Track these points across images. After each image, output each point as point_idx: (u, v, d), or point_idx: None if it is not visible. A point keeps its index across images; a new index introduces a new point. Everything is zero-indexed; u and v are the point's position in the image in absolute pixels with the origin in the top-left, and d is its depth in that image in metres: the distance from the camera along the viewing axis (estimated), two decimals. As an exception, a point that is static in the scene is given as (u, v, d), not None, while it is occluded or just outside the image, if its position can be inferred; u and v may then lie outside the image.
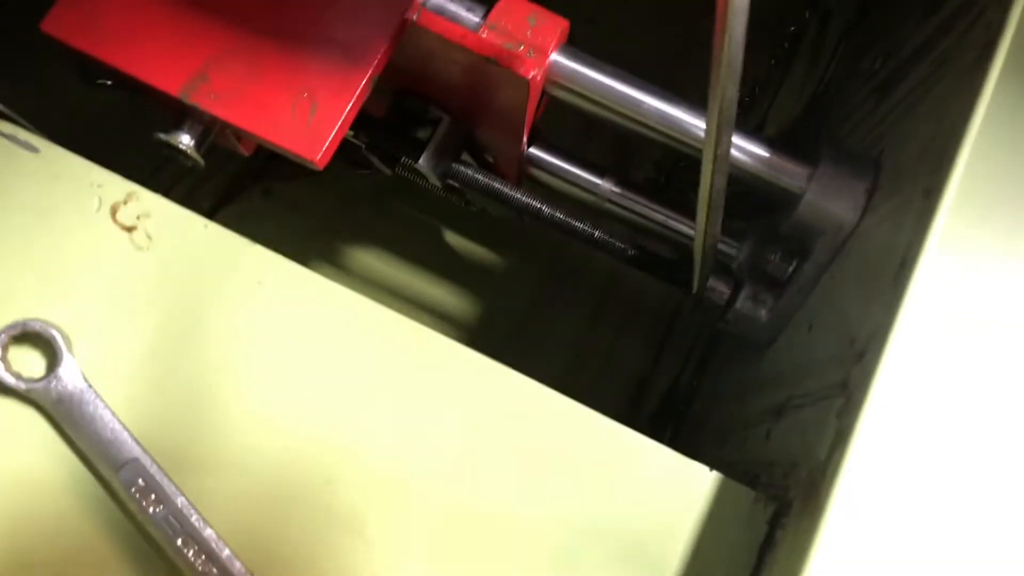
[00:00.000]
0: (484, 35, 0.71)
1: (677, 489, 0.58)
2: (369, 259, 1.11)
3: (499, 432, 0.59)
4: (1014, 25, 0.57)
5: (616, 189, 0.87)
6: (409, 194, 0.91)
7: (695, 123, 0.73)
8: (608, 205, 0.88)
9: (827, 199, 0.69)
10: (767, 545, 0.57)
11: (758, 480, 0.65)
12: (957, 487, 0.49)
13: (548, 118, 0.79)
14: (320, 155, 0.63)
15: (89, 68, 0.66)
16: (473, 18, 0.72)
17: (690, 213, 0.87)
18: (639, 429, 0.60)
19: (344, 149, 0.87)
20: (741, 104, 1.07)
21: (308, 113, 0.63)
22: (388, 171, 0.87)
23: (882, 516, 0.50)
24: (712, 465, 0.60)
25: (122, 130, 1.00)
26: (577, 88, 0.73)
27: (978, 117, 0.56)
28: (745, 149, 0.72)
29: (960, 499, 0.49)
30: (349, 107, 0.64)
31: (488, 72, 0.69)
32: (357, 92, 0.65)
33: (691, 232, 0.86)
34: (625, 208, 0.87)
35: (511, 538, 0.57)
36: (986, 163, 0.55)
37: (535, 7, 0.72)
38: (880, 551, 0.49)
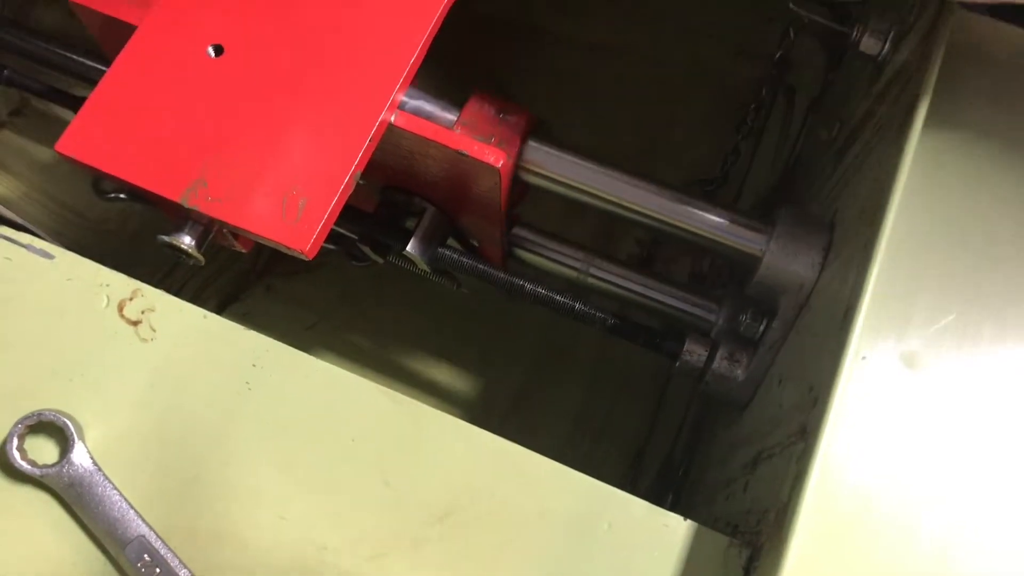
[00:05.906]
0: (457, 131, 0.77)
1: (652, 538, 0.61)
2: (369, 345, 1.16)
3: (483, 493, 0.63)
4: (931, 89, 0.63)
5: (597, 264, 0.92)
6: (404, 281, 0.96)
7: (659, 200, 0.78)
8: (591, 280, 0.93)
9: (785, 259, 0.73)
10: (743, 589, 0.59)
11: (737, 530, 0.67)
12: (906, 523, 0.52)
13: (534, 201, 0.85)
14: (309, 246, 0.69)
15: (102, 184, 0.73)
16: (449, 116, 0.79)
17: (670, 284, 0.92)
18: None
19: (340, 242, 0.93)
20: (712, 180, 1.14)
21: (297, 209, 0.69)
22: (381, 260, 0.93)
23: (841, 550, 0.52)
24: (702, 524, 0.63)
25: (137, 236, 1.08)
26: (547, 173, 0.79)
27: (904, 170, 0.61)
28: (704, 217, 0.77)
29: (908, 535, 0.52)
30: (335, 201, 0.70)
31: (463, 164, 0.76)
32: (341, 187, 0.70)
33: (672, 302, 0.91)
34: (607, 282, 0.92)
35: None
36: (913, 212, 0.60)
37: (504, 103, 0.79)
38: (839, 583, 0.51)
